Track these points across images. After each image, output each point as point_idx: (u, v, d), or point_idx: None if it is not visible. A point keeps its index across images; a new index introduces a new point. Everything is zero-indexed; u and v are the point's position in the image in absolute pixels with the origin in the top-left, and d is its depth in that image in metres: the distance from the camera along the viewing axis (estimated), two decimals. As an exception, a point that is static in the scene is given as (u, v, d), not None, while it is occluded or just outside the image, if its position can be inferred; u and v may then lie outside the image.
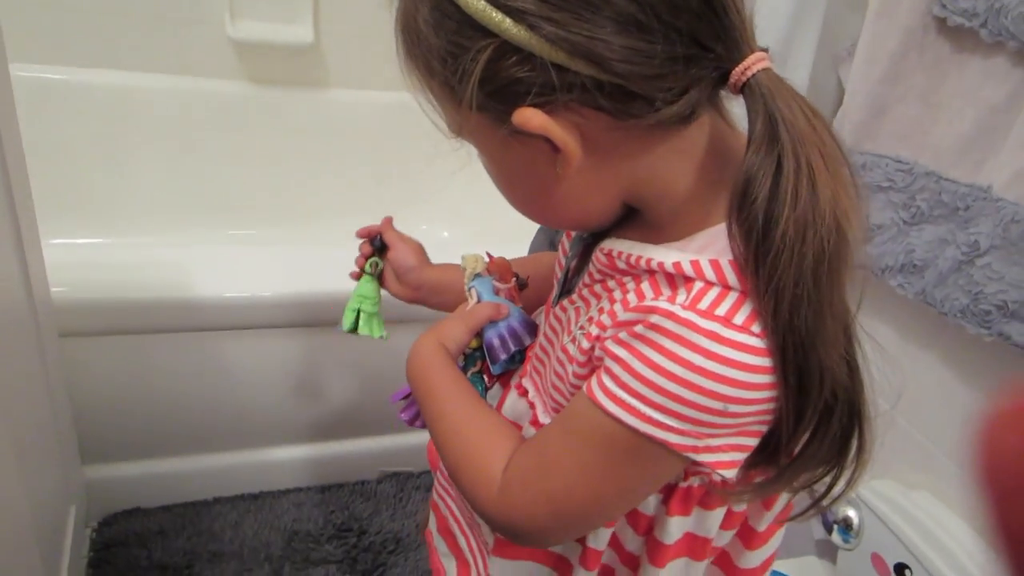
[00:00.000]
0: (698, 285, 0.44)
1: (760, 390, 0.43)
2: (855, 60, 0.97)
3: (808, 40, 1.03)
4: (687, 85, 0.42)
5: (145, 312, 0.97)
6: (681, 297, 0.44)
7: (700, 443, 0.44)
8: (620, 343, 0.45)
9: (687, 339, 0.42)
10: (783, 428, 0.45)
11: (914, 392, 1.03)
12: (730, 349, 0.42)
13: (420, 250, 0.80)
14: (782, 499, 0.56)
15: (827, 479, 0.49)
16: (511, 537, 0.54)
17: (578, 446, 0.48)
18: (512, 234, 1.05)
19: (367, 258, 0.79)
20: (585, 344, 0.49)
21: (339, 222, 1.76)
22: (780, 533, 0.60)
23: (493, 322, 0.64)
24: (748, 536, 0.58)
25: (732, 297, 0.43)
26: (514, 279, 0.69)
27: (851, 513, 1.08)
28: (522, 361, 0.64)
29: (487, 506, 0.52)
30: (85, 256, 1.01)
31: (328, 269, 1.15)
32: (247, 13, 1.54)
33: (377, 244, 0.80)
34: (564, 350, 0.53)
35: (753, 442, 0.46)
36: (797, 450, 0.46)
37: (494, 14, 0.41)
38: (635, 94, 0.41)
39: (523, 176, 0.49)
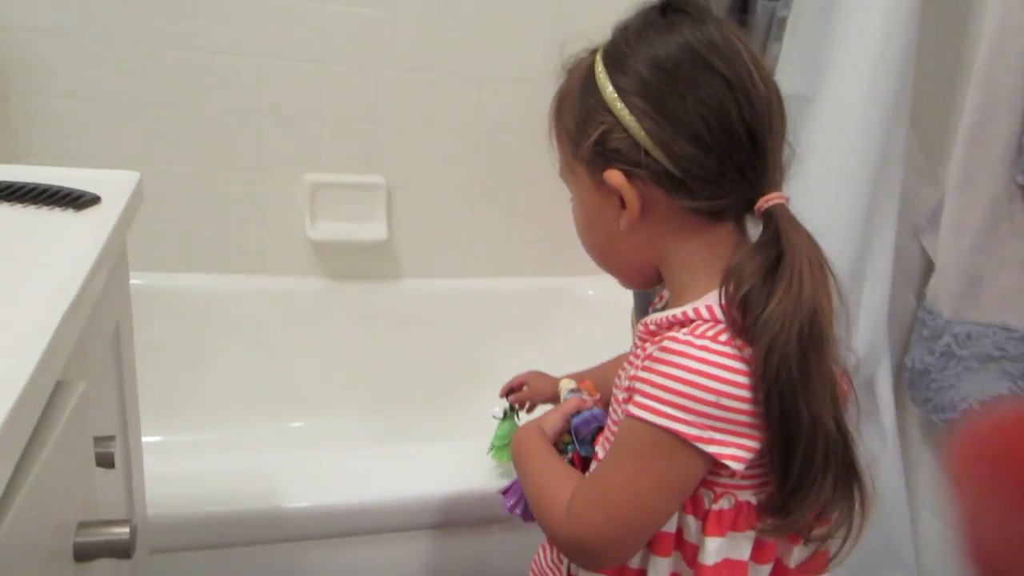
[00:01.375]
0: (696, 322, 0.60)
1: (745, 389, 0.57)
2: (942, 232, 0.97)
3: (889, 212, 1.04)
4: (722, 194, 0.61)
5: (238, 525, 0.96)
6: (684, 331, 0.60)
7: (704, 434, 0.58)
8: (645, 370, 0.61)
9: (686, 352, 0.58)
10: (776, 467, 0.60)
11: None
12: (716, 356, 0.58)
13: (541, 378, 1.05)
14: (804, 548, 0.67)
15: (840, 533, 0.64)
16: (581, 554, 0.67)
17: (619, 455, 0.64)
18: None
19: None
20: (627, 383, 0.64)
21: (417, 411, 1.77)
22: None
23: (579, 412, 0.80)
24: (781, 573, 0.68)
25: (719, 327, 0.59)
26: (598, 395, 0.86)
27: None
28: None
29: (557, 529, 0.67)
30: (171, 460, 1.01)
31: (415, 468, 1.14)
32: (326, 215, 1.63)
33: (507, 393, 1.08)
34: (616, 400, 0.68)
35: (753, 444, 0.59)
36: (800, 497, 0.60)
37: (618, 103, 0.62)
38: (684, 185, 0.61)
39: (597, 220, 0.67)
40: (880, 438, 1.12)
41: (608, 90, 0.62)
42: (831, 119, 1.00)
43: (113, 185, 0.69)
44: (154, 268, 1.57)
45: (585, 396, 0.84)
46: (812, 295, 0.57)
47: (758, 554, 0.65)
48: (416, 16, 1.57)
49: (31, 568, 0.39)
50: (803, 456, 0.58)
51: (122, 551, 0.46)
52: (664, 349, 0.60)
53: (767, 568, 0.66)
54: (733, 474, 0.60)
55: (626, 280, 0.73)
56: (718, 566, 0.63)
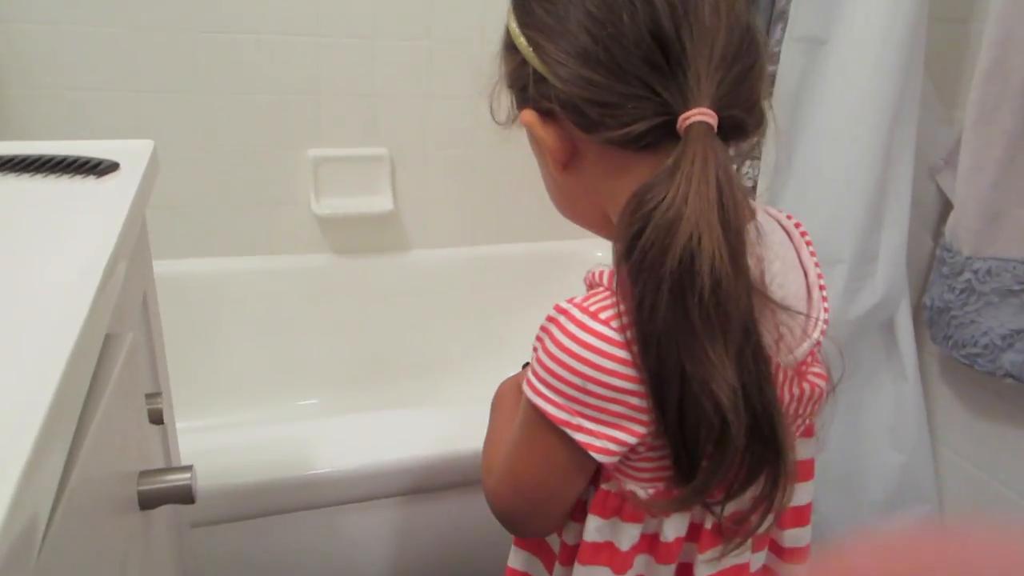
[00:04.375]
0: (597, 290, 0.54)
1: (616, 377, 0.51)
2: (960, 170, 0.97)
3: (906, 154, 1.03)
4: (632, 119, 0.51)
5: (277, 493, 0.96)
6: (579, 298, 0.54)
7: (573, 420, 0.53)
8: (537, 339, 0.56)
9: (563, 327, 0.52)
10: (669, 445, 0.52)
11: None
12: (590, 336, 0.51)
13: None
14: (714, 549, 0.60)
15: (757, 517, 0.56)
16: (505, 525, 0.64)
17: (518, 430, 0.59)
18: None
19: None
20: None
21: (431, 380, 1.77)
22: None
23: None
24: None
25: (606, 299, 0.52)
26: None
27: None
28: None
29: (486, 494, 0.64)
30: (196, 438, 1.01)
31: (437, 429, 1.14)
32: (330, 190, 1.62)
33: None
34: None
35: (627, 438, 0.53)
36: (695, 467, 0.52)
37: (520, 38, 0.55)
38: (596, 115, 0.52)
39: (541, 165, 0.62)
40: (901, 376, 1.12)
41: (512, 25, 0.56)
42: (846, 61, 0.99)
43: (128, 153, 0.68)
44: (159, 256, 1.56)
45: None
46: (696, 220, 0.47)
47: (655, 552, 0.61)
48: (410, -17, 1.55)
49: (100, 519, 0.39)
50: (679, 423, 0.51)
51: (186, 496, 0.46)
52: (548, 318, 0.54)
53: (668, 569, 0.61)
54: (624, 461, 0.56)
55: (588, 228, 0.65)
56: (597, 545, 0.60)
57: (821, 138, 1.03)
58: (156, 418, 0.53)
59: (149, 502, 0.44)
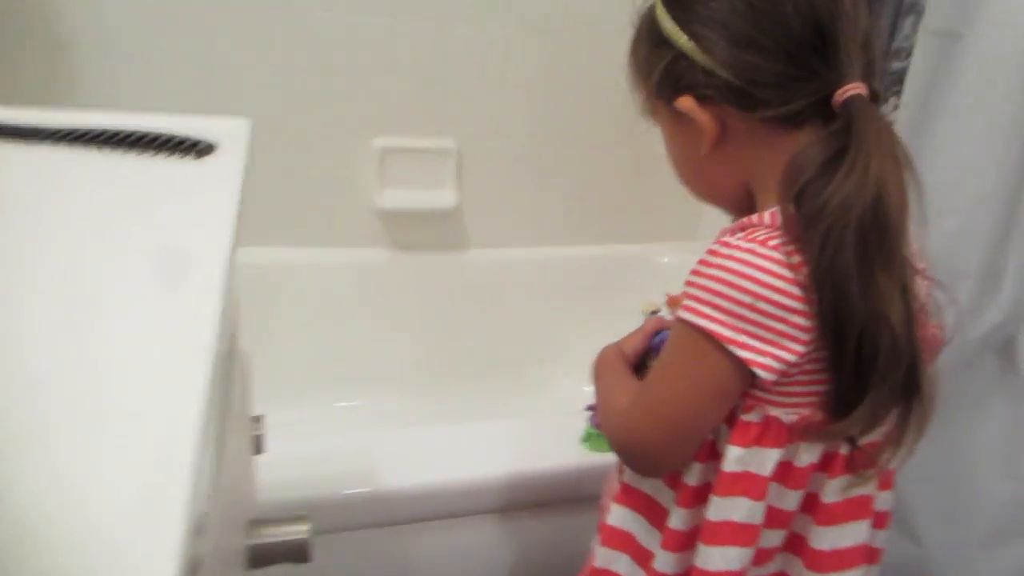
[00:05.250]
0: (756, 228, 0.59)
1: (787, 296, 0.55)
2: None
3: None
4: (793, 96, 0.59)
5: (345, 509, 0.90)
6: (739, 235, 0.59)
7: (738, 337, 0.56)
8: (693, 273, 0.60)
9: (729, 255, 0.57)
10: (831, 361, 0.57)
11: None
12: (759, 259, 0.56)
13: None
14: (848, 479, 0.64)
15: (890, 452, 0.61)
16: (634, 459, 0.68)
17: (665, 360, 0.64)
18: None
19: None
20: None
21: (492, 388, 1.70)
22: (859, 527, 0.67)
23: (659, 332, 0.77)
24: (815, 508, 0.65)
25: (773, 233, 0.57)
26: None
27: None
28: None
29: (615, 431, 0.68)
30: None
31: (513, 445, 1.08)
32: (394, 182, 1.55)
33: None
34: None
35: (788, 356, 0.56)
36: (852, 398, 0.57)
37: (676, 30, 0.61)
38: (751, 96, 0.59)
39: (682, 151, 0.68)
40: (1019, 400, 1.03)
41: (668, 24, 0.62)
42: (986, 58, 0.90)
43: (222, 133, 0.62)
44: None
45: (665, 315, 0.81)
46: (878, 179, 0.55)
47: (787, 478, 0.64)
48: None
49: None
50: (856, 354, 0.56)
51: (301, 553, 0.38)
52: (711, 252, 0.59)
53: (796, 495, 0.65)
54: (772, 386, 0.58)
55: (723, 206, 0.71)
56: (735, 475, 0.62)
57: (952, 141, 0.94)
58: (257, 447, 0.45)
59: (260, 559, 0.37)
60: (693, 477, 0.66)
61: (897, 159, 0.57)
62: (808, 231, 0.55)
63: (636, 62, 0.68)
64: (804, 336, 0.57)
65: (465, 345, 1.68)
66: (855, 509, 0.66)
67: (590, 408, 0.88)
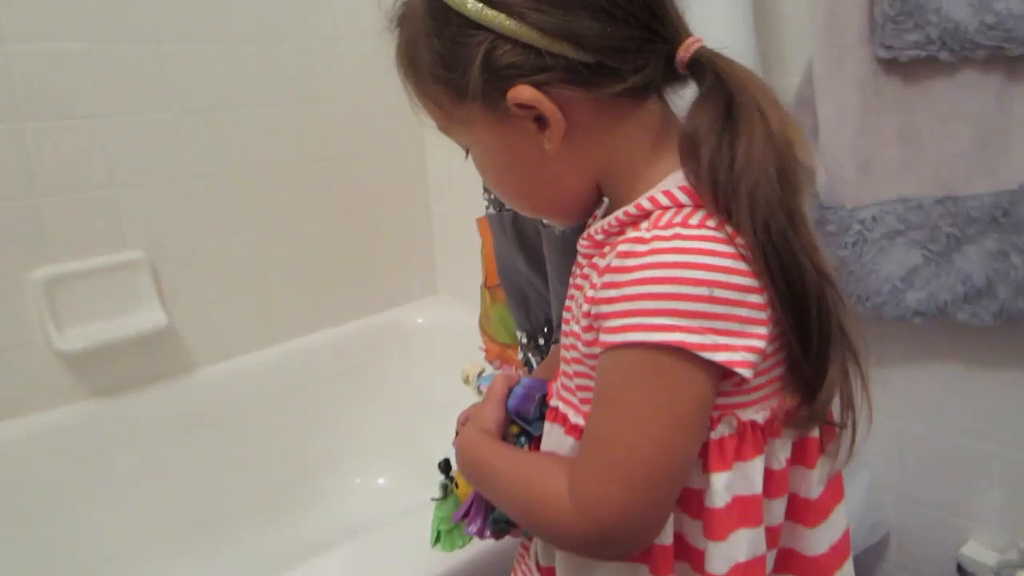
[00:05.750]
0: (657, 212, 0.51)
1: (739, 275, 0.48)
2: (821, 126, 0.96)
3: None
4: (644, 61, 0.52)
5: None
6: (644, 225, 0.50)
7: (708, 340, 0.47)
8: (605, 287, 0.50)
9: (656, 248, 0.48)
10: (793, 336, 0.50)
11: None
12: (693, 241, 0.48)
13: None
14: (822, 461, 0.57)
15: (850, 413, 0.55)
16: (607, 544, 0.51)
17: (617, 401, 0.50)
18: None
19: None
20: (585, 308, 0.53)
21: (272, 515, 1.41)
22: (841, 513, 0.60)
23: (511, 391, 0.67)
24: (803, 510, 0.58)
25: (685, 211, 0.50)
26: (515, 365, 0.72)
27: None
28: None
29: (566, 521, 0.52)
30: None
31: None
32: (74, 318, 1.24)
33: (442, 465, 0.91)
34: (572, 334, 0.57)
35: (758, 343, 0.48)
36: (823, 368, 0.51)
37: (488, 12, 0.51)
38: (605, 68, 0.51)
39: (514, 160, 0.57)
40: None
41: (468, 4, 0.51)
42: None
43: None
44: None
45: (507, 370, 0.68)
46: (781, 129, 0.50)
47: (769, 487, 0.55)
48: (128, 46, 1.26)
49: None
50: (817, 315, 0.50)
51: None
52: (627, 255, 0.49)
53: (781, 504, 0.56)
54: (740, 386, 0.51)
55: (568, 215, 0.62)
56: (729, 507, 0.52)
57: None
58: None
59: None
60: (667, 535, 0.54)
61: (779, 101, 0.51)
62: (732, 200, 0.48)
63: (423, 69, 0.56)
64: (763, 315, 0.49)
65: (224, 481, 1.39)
66: (834, 493, 0.59)
67: (464, 517, 0.71)
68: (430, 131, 0.61)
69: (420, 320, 1.62)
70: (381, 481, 1.53)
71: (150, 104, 1.28)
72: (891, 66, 0.92)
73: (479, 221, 1.40)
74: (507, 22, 0.50)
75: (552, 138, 0.53)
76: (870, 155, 0.95)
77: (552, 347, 1.23)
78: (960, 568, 1.04)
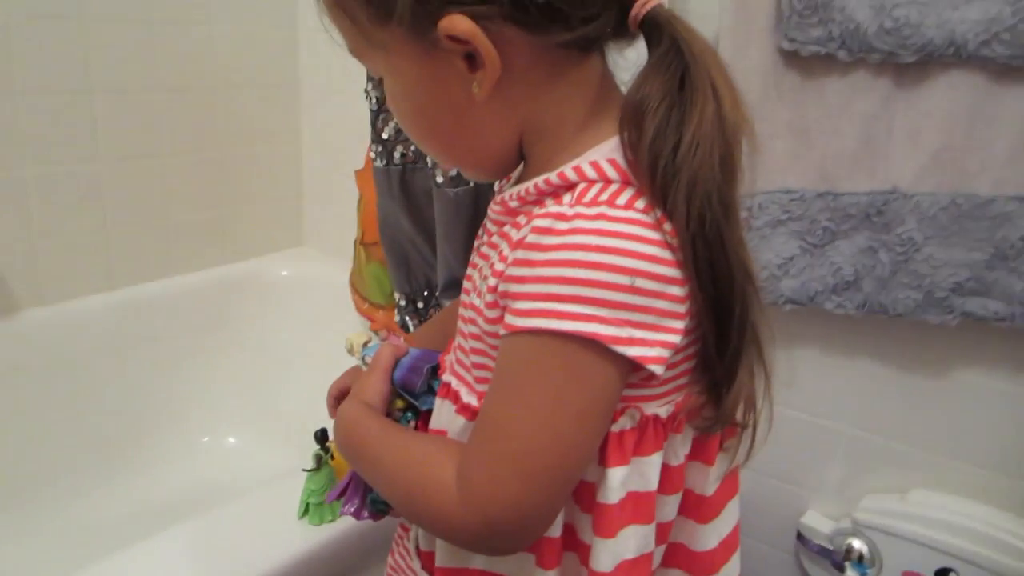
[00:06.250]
0: (582, 186, 0.47)
1: (663, 264, 0.45)
2: (721, 108, 0.97)
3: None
4: (597, 10, 0.47)
5: None
6: (567, 199, 0.47)
7: (623, 333, 0.44)
8: (517, 264, 0.46)
9: (578, 228, 0.44)
10: (709, 335, 0.48)
11: (870, 401, 1.04)
12: (619, 224, 0.44)
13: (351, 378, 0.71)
14: (721, 458, 0.56)
15: (751, 414, 0.54)
16: (495, 536, 0.48)
17: (517, 390, 0.47)
18: (303, 427, 0.87)
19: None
20: (492, 282, 0.49)
21: (105, 488, 1.27)
22: (733, 506, 0.60)
23: (398, 362, 0.62)
24: (697, 506, 0.57)
25: (613, 188, 0.46)
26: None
27: (856, 544, 1.05)
28: None
29: (452, 514, 0.48)
30: None
31: (219, 552, 0.79)
32: None
33: (318, 435, 0.87)
34: (472, 307, 0.52)
35: (673, 338, 0.46)
36: (729, 374, 0.49)
37: None
38: (555, 12, 0.45)
39: (434, 100, 0.50)
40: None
41: None
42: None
43: None
44: None
45: (392, 339, 0.66)
46: (732, 112, 0.47)
47: (666, 483, 0.53)
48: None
49: None
50: (739, 316, 0.48)
51: None
52: (544, 231, 0.45)
53: (675, 500, 0.55)
54: (649, 380, 0.48)
55: (484, 169, 0.56)
56: (622, 503, 0.50)
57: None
58: None
59: None
60: (556, 527, 0.52)
61: (731, 80, 0.48)
62: (670, 185, 0.45)
63: None
64: (681, 309, 0.46)
65: (47, 437, 1.24)
66: (729, 487, 0.58)
67: (340, 497, 0.65)
68: (308, 69, 0.53)
69: (284, 272, 1.52)
70: (231, 440, 1.43)
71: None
72: (791, 59, 0.94)
73: (358, 174, 1.33)
74: None
75: (483, 82, 0.47)
76: (761, 144, 0.98)
77: (434, 312, 1.19)
78: (799, 535, 1.12)
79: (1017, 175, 0.85)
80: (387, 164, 1.14)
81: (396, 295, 1.22)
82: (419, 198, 1.15)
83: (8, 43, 1.14)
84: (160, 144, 1.34)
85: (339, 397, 0.70)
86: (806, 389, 1.10)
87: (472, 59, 0.47)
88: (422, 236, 1.16)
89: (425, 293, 1.20)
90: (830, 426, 1.09)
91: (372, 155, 1.16)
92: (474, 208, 1.02)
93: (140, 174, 1.33)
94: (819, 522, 1.11)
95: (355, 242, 1.36)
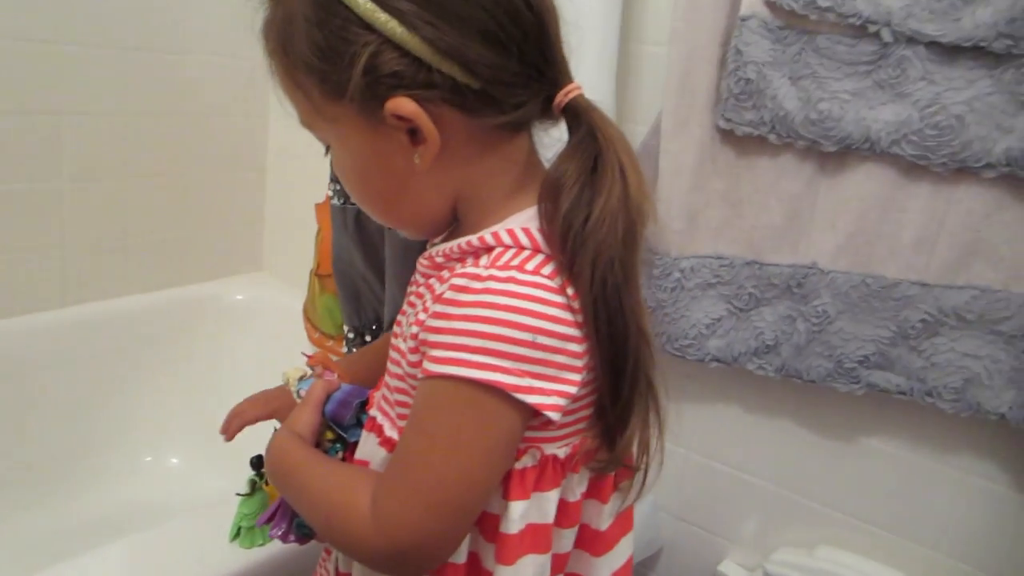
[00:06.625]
0: (498, 250, 0.53)
1: (562, 324, 0.51)
2: (660, 177, 1.04)
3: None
4: (526, 98, 0.53)
5: None
6: (483, 261, 0.52)
7: (523, 382, 0.50)
8: (436, 316, 0.52)
9: (490, 288, 0.50)
10: (604, 387, 0.54)
11: (786, 458, 1.10)
12: (526, 287, 0.50)
13: (268, 401, 0.81)
14: (615, 497, 0.62)
15: (644, 458, 0.60)
16: (402, 563, 0.53)
17: (430, 429, 0.52)
18: (247, 451, 0.90)
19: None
20: (414, 329, 0.54)
21: (31, 493, 1.27)
22: (627, 542, 0.66)
23: (329, 396, 0.68)
24: (592, 540, 0.62)
25: (525, 254, 0.52)
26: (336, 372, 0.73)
27: (767, 594, 1.10)
28: None
29: (365, 538, 0.53)
30: None
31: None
32: None
33: (253, 461, 0.89)
34: (397, 350, 0.58)
35: (570, 388, 0.52)
36: (627, 419, 0.55)
37: (380, 14, 0.49)
38: (489, 98, 0.52)
39: (378, 169, 0.56)
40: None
41: (360, 1, 0.49)
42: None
43: None
44: None
45: (326, 375, 0.71)
46: (636, 192, 0.53)
47: (563, 517, 0.59)
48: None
49: None
50: (632, 370, 0.54)
51: None
52: (461, 289, 0.51)
53: (571, 533, 0.61)
54: (548, 424, 0.53)
55: (421, 230, 0.62)
56: (522, 534, 0.56)
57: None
58: None
59: None
60: (461, 554, 0.57)
61: (637, 164, 0.54)
62: (578, 252, 0.51)
63: (296, 55, 0.53)
64: (579, 363, 0.52)
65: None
66: (623, 524, 0.64)
67: (266, 520, 0.71)
68: (276, 102, 0.58)
69: (239, 297, 1.54)
70: (175, 461, 1.45)
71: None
72: (727, 136, 1.01)
73: (318, 207, 1.37)
74: (399, 30, 0.49)
75: (424, 155, 0.53)
76: (697, 212, 1.05)
77: (362, 345, 1.23)
78: (716, 582, 1.18)
79: (920, 263, 0.93)
80: (344, 203, 1.18)
81: (345, 327, 1.26)
82: (372, 236, 1.19)
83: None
84: (124, 165, 1.37)
85: (236, 416, 0.81)
86: (730, 444, 1.16)
87: (414, 134, 0.52)
88: (373, 272, 1.20)
89: (374, 327, 1.24)
90: (749, 480, 1.15)
91: (330, 192, 1.20)
92: (422, 251, 1.07)
93: (103, 192, 1.36)
94: (734, 571, 1.16)
95: (310, 272, 1.39)
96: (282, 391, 0.78)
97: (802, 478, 1.10)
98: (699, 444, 1.19)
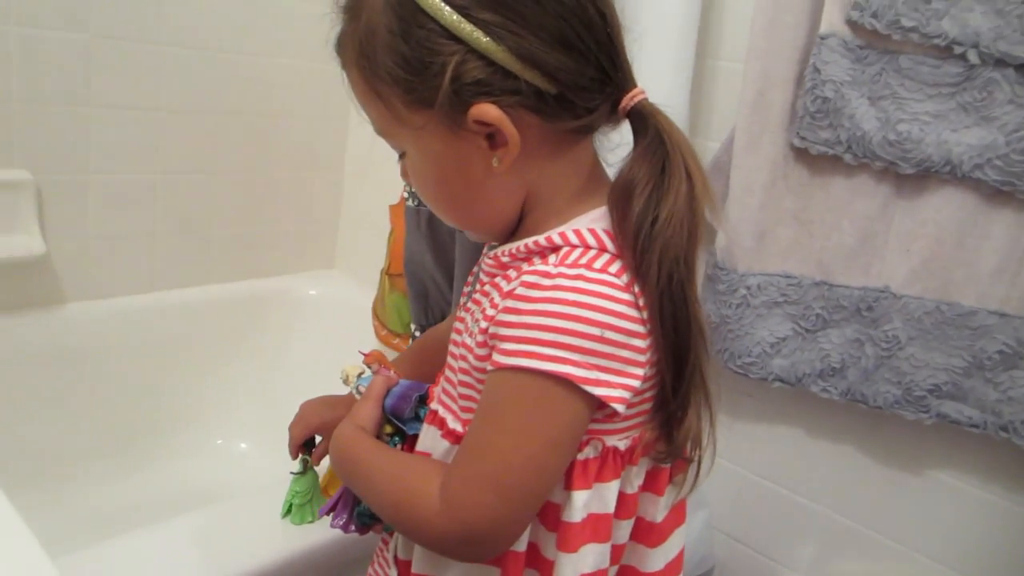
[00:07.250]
0: (565, 249, 0.55)
1: (629, 320, 0.53)
2: (731, 193, 1.03)
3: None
4: (598, 102, 0.56)
5: None
6: (552, 259, 0.55)
7: (591, 375, 0.52)
8: (506, 311, 0.54)
9: (559, 285, 0.52)
10: (666, 380, 0.56)
11: (847, 485, 1.08)
12: (594, 284, 0.52)
13: (327, 409, 0.89)
14: (670, 490, 0.64)
15: (697, 451, 0.61)
16: (469, 546, 0.56)
17: (500, 418, 0.55)
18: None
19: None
20: (483, 324, 0.56)
21: (122, 476, 1.35)
22: (679, 535, 0.67)
23: (389, 391, 0.70)
24: (647, 532, 0.64)
25: (592, 253, 0.54)
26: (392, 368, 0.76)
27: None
28: None
29: (434, 523, 0.55)
30: None
31: (210, 544, 0.85)
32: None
33: (306, 443, 0.92)
34: (464, 345, 0.60)
35: (634, 382, 0.54)
36: (680, 413, 0.57)
37: (465, 25, 0.51)
38: (566, 102, 0.54)
39: (456, 173, 0.57)
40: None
41: (446, 12, 0.51)
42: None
43: None
44: None
45: (386, 372, 0.73)
46: (701, 193, 0.55)
47: (621, 508, 0.61)
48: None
49: None
50: (692, 363, 0.56)
51: None
52: (532, 286, 0.53)
53: (628, 525, 0.63)
54: (611, 416, 0.56)
55: (491, 232, 0.63)
56: (584, 523, 0.57)
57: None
58: None
59: None
60: (522, 543, 0.59)
61: (701, 166, 0.56)
62: (647, 251, 0.53)
63: (379, 66, 0.54)
64: (643, 358, 0.54)
65: (73, 425, 1.33)
66: (677, 517, 0.66)
67: (328, 510, 0.74)
68: (356, 106, 0.61)
69: (312, 292, 1.60)
70: (243, 446, 1.51)
71: (64, 22, 1.20)
72: (801, 155, 1.00)
73: (392, 208, 1.41)
74: (483, 40, 0.51)
75: (504, 158, 0.55)
76: (767, 229, 1.04)
77: (415, 341, 1.26)
78: (769, 607, 1.16)
79: (999, 291, 0.90)
80: (418, 205, 1.22)
81: (413, 325, 1.29)
82: (443, 238, 1.22)
83: (89, 62, 1.24)
84: (212, 161, 1.44)
85: (302, 433, 0.89)
86: (789, 466, 1.14)
87: (493, 138, 0.54)
88: (441, 273, 1.23)
89: (439, 328, 1.27)
90: (808, 504, 1.13)
91: (405, 194, 1.24)
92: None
93: (191, 187, 1.43)
94: (788, 597, 1.15)
95: (381, 271, 1.43)
96: (345, 397, 0.82)
97: (863, 507, 1.07)
98: (757, 464, 1.17)
